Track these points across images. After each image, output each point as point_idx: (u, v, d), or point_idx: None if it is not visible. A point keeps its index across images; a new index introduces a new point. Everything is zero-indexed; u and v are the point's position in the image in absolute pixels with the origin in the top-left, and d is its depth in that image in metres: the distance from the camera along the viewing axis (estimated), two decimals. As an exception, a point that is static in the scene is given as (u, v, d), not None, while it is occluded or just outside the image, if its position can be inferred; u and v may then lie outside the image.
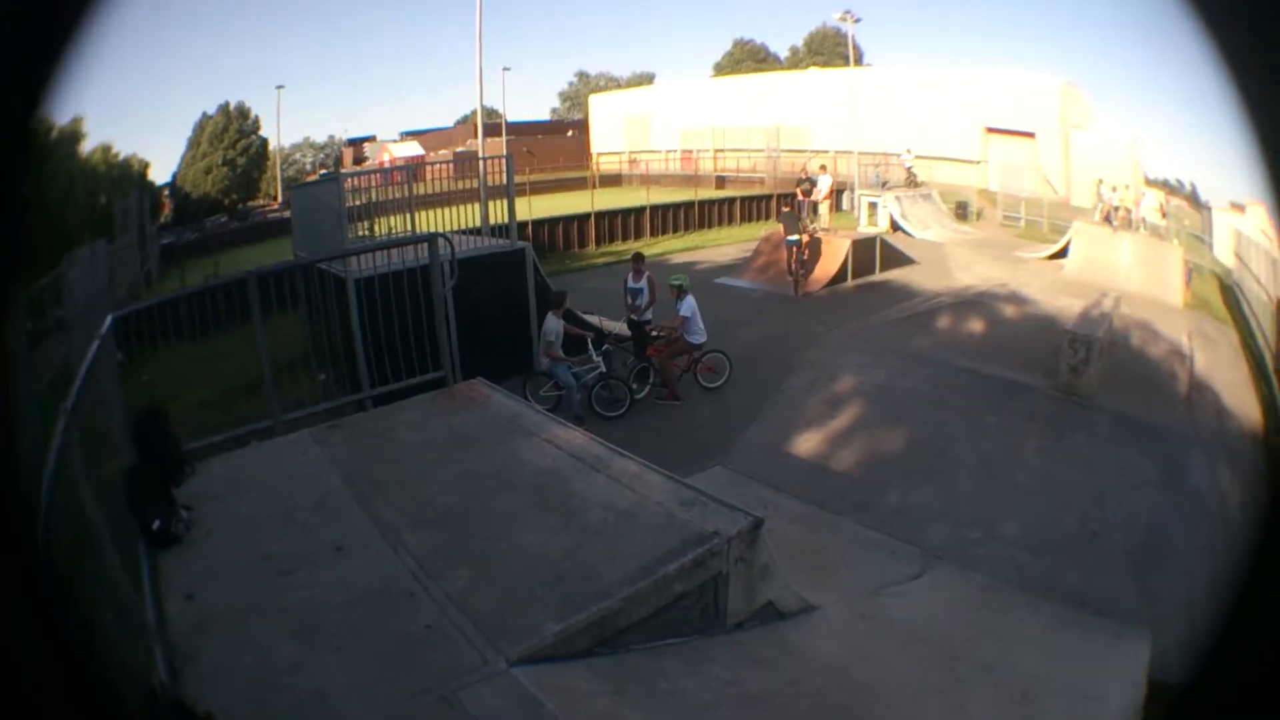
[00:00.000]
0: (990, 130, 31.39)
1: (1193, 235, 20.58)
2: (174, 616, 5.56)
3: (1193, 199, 21.59)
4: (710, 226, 32.67)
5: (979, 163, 31.40)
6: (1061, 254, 22.15)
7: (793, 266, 20.58)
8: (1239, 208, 17.44)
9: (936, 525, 9.34)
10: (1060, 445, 10.97)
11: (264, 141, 55.35)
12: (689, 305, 13.52)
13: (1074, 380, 12.33)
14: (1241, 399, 11.96)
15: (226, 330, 10.21)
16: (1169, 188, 22.58)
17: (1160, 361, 14.15)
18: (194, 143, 59.01)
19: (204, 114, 60.08)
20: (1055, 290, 18.25)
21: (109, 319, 8.48)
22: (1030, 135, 30.17)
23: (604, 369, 13.28)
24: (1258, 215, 15.48)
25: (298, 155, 56.17)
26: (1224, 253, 18.28)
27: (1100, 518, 9.25)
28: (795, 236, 20.39)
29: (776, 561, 6.43)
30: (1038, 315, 16.59)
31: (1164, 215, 22.78)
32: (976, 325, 16.26)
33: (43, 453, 4.38)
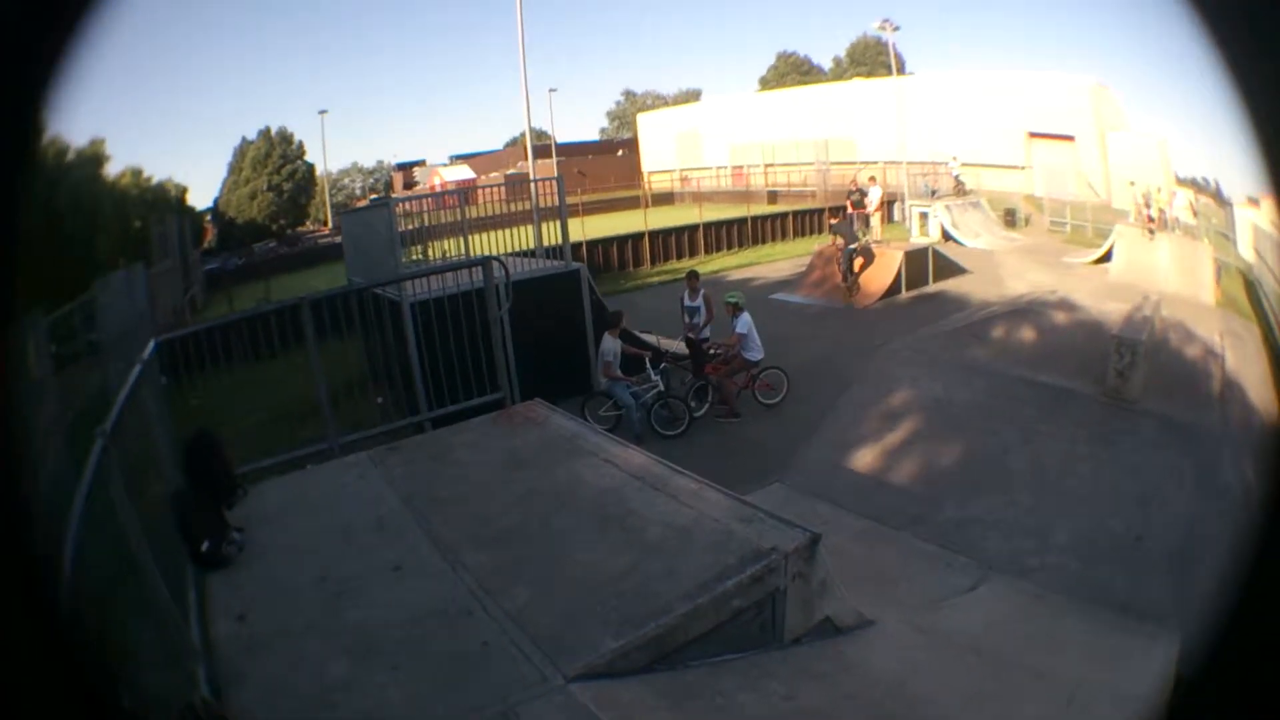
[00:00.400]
0: (1032, 135, 31.25)
1: (1219, 233, 20.45)
2: (222, 638, 5.54)
3: (1217, 195, 21.43)
4: (764, 242, 32.71)
5: (1023, 168, 31.25)
6: (1106, 258, 22.19)
7: (846, 275, 20.57)
8: (1254, 202, 17.33)
9: (992, 536, 9.37)
10: (1109, 450, 11.02)
11: (310, 167, 55.76)
12: (745, 322, 13.50)
13: (1121, 385, 12.42)
14: (1265, 395, 11.86)
15: (279, 356, 10.22)
16: (1196, 185, 22.38)
17: (1196, 361, 14.17)
18: (235, 168, 59.49)
19: (244, 139, 60.55)
20: (1102, 295, 18.22)
21: (152, 343, 8.46)
22: (1070, 139, 29.99)
23: (662, 388, 13.29)
24: (1270, 209, 15.44)
25: (346, 180, 56.69)
26: (1246, 248, 18.15)
27: (1144, 522, 9.31)
28: (853, 246, 20.39)
29: (834, 577, 6.36)
30: (1086, 321, 16.52)
31: (1195, 214, 22.65)
32: (1029, 333, 16.18)
33: (75, 477, 4.36)
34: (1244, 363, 13.32)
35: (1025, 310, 17.59)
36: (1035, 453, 11.09)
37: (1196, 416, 11.64)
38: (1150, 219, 23.47)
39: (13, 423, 1.96)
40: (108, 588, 4.10)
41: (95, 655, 3.03)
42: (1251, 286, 16.50)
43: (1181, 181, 23.23)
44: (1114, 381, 12.45)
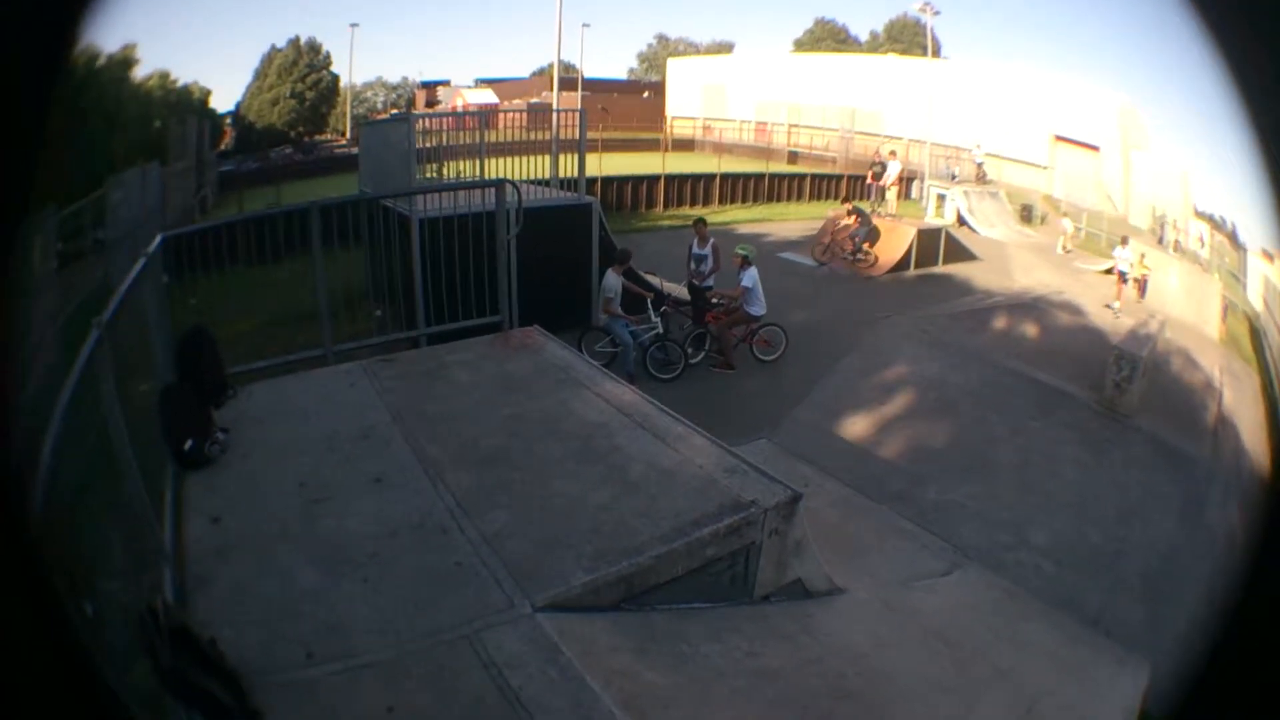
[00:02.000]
0: (1058, 139, 31.12)
1: (1231, 273, 20.44)
2: (195, 540, 5.56)
3: (1233, 237, 21.40)
4: (779, 200, 32.38)
5: (1046, 168, 31.13)
6: (1111, 271, 21.99)
7: (855, 253, 20.51)
8: (1269, 256, 17.35)
9: (971, 524, 9.39)
10: (1096, 459, 11.12)
11: (335, 78, 55.37)
12: (751, 276, 13.44)
13: (1117, 397, 12.47)
14: (1257, 441, 11.91)
15: (284, 261, 10.13)
16: (1214, 222, 22.34)
17: (1194, 390, 14.29)
18: (261, 74, 58.93)
19: (273, 47, 59.89)
20: (1105, 304, 18.31)
21: (158, 238, 8.41)
22: (1095, 149, 29.88)
23: (660, 330, 13.24)
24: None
25: (369, 94, 56.32)
26: (1255, 297, 18.16)
27: (1125, 538, 9.40)
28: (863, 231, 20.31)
29: (810, 539, 6.37)
30: (1089, 327, 16.68)
31: (1203, 244, 22.65)
32: (1031, 329, 16.24)
33: (66, 369, 4.33)
34: (1240, 404, 13.35)
35: (1030, 306, 17.64)
36: (1022, 448, 11.15)
37: (1188, 445, 11.76)
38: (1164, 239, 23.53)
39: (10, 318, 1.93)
40: (83, 486, 4.06)
41: (61, 562, 3.01)
42: (1257, 335, 16.54)
43: (1200, 214, 23.23)
44: (1110, 392, 12.52)
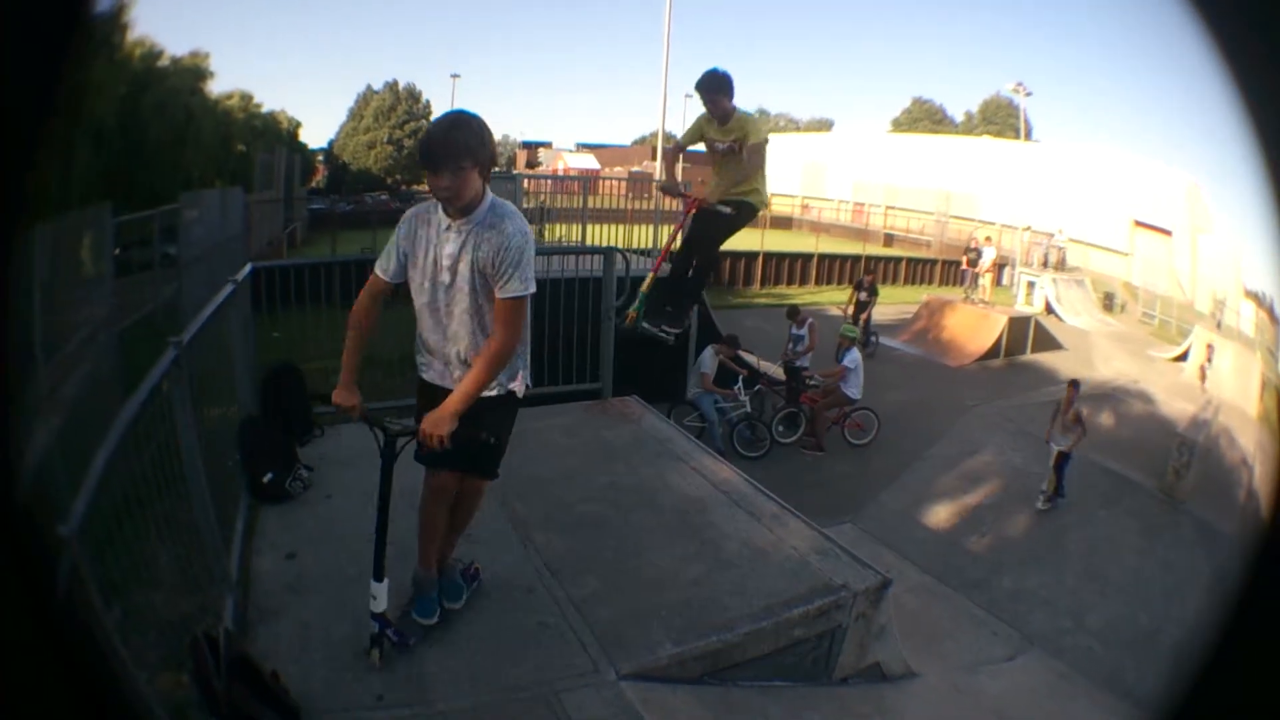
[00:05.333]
0: (1138, 224, 31.15)
1: (1269, 348, 20.53)
2: (265, 572, 5.57)
3: (1271, 312, 21.46)
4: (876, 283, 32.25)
5: (1126, 254, 31.15)
6: (1183, 357, 22.44)
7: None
8: None
9: (1039, 611, 9.68)
10: (1151, 543, 11.56)
11: None
12: (854, 358, 13.56)
13: (1175, 483, 12.98)
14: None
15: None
16: (1259, 299, 22.35)
17: (1233, 470, 14.64)
18: (355, 114, 60.08)
19: (368, 87, 61.18)
20: (1174, 392, 18.75)
21: (248, 268, 8.43)
22: (1169, 233, 29.91)
23: (749, 409, 13.25)
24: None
25: (469, 149, 57.64)
26: (1285, 369, 18.32)
27: (1164, 617, 9.70)
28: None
29: (893, 624, 6.36)
30: (1157, 415, 16.99)
31: (1250, 323, 22.72)
32: (1107, 419, 16.44)
33: (123, 378, 4.29)
34: (1264, 480, 13.46)
35: (1108, 396, 17.91)
36: (1090, 537, 11.38)
37: (1224, 522, 12.05)
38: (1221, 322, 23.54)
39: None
40: (135, 497, 4.00)
41: (93, 565, 2.97)
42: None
43: (1249, 294, 23.20)
44: (1170, 479, 12.94)
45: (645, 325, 7.55)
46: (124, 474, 3.70)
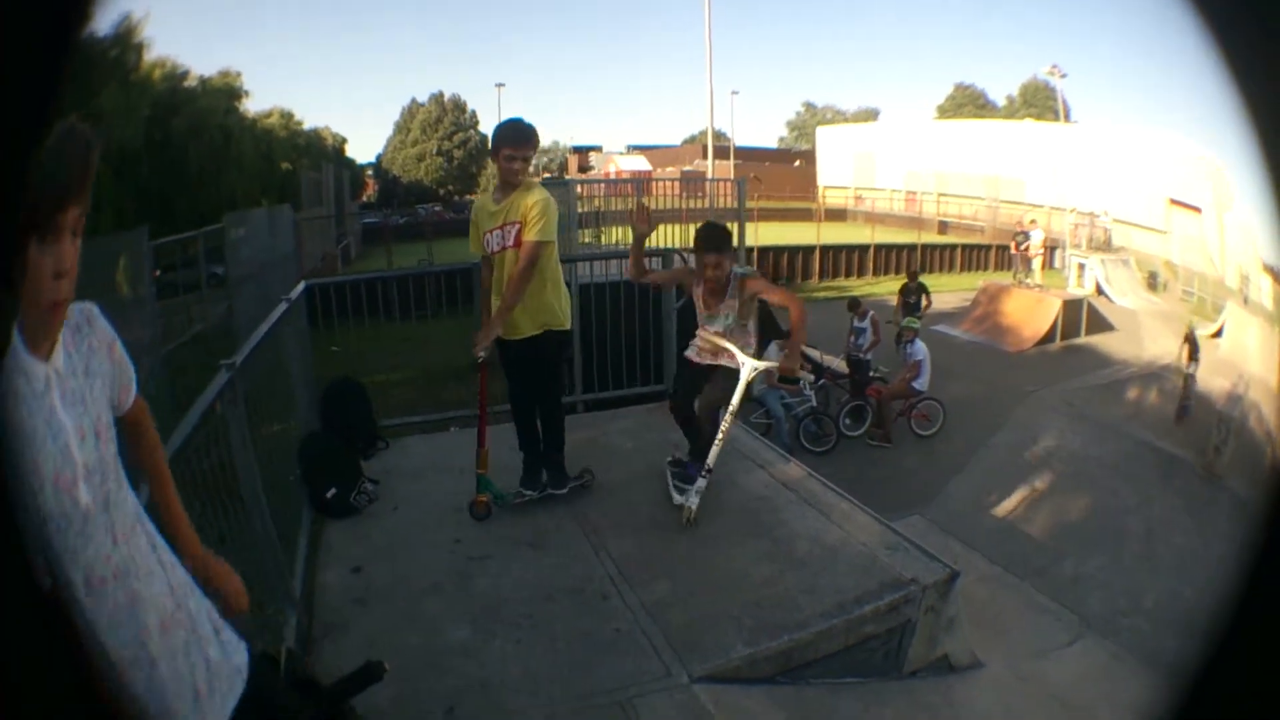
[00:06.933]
0: (1173, 202, 30.96)
1: None
2: (330, 587, 5.62)
3: None
4: (931, 271, 32.45)
5: (1165, 233, 30.96)
6: (1218, 334, 22.43)
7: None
8: None
9: (1097, 594, 9.67)
10: (1194, 521, 11.55)
11: (484, 137, 56.58)
12: (922, 350, 13.60)
13: (1214, 459, 13.08)
14: None
15: (429, 319, 10.22)
16: (1275, 273, 22.21)
17: (1263, 443, 14.42)
18: (401, 128, 60.51)
19: (413, 100, 61.65)
20: (1212, 369, 18.53)
21: (302, 285, 8.51)
22: (1199, 211, 29.76)
23: (814, 404, 13.31)
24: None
25: (520, 156, 58.37)
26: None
27: (1203, 590, 9.46)
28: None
29: (962, 616, 6.36)
30: (1200, 393, 16.82)
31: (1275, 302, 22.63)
32: (1157, 398, 16.71)
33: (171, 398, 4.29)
34: None
35: (1158, 375, 18.17)
36: (1146, 517, 11.40)
37: (1250, 495, 11.87)
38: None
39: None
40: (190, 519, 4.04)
41: None
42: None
43: (1267, 268, 23.08)
44: (1210, 456, 13.07)
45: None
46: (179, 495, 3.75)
